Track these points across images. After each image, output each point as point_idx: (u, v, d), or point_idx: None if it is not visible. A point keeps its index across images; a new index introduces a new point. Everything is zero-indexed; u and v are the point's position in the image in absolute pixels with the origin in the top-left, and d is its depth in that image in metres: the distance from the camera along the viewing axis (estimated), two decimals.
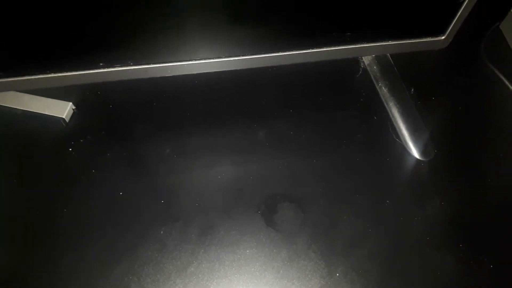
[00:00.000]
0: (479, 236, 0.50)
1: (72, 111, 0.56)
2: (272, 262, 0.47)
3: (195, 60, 0.48)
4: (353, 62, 0.62)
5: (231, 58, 0.48)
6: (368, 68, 0.61)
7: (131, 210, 0.50)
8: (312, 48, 0.49)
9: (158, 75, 0.49)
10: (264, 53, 0.49)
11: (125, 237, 0.48)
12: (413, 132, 0.56)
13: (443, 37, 0.51)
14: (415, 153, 0.55)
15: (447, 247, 0.49)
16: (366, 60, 0.61)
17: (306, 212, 0.50)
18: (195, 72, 0.49)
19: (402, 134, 0.56)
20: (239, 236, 0.49)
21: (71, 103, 0.56)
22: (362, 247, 0.48)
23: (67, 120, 0.56)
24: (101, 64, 0.46)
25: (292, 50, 0.49)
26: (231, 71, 0.50)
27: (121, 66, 0.47)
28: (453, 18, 0.49)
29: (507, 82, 0.61)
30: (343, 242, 0.49)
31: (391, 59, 0.61)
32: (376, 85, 0.59)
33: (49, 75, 0.46)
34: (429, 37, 0.51)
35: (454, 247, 0.49)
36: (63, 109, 0.56)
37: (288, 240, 0.49)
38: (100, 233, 0.48)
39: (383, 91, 0.58)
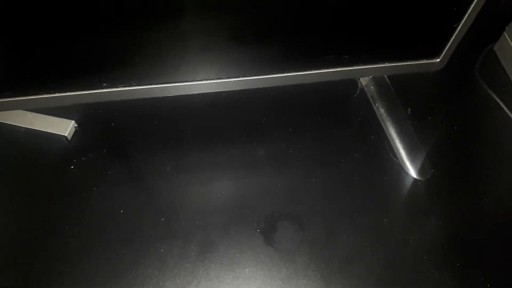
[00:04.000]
0: (476, 255, 0.50)
1: (74, 129, 0.57)
2: (271, 281, 0.48)
3: (196, 81, 0.49)
4: (351, 83, 0.63)
5: (231, 79, 0.50)
6: (365, 89, 0.62)
7: (131, 227, 0.50)
8: (311, 70, 0.50)
9: (159, 95, 0.50)
10: (263, 75, 0.50)
11: (126, 254, 0.49)
12: (410, 152, 0.56)
13: (438, 60, 0.52)
14: (412, 172, 0.55)
15: (444, 266, 0.49)
16: (364, 81, 0.62)
17: (305, 230, 0.51)
18: (195, 92, 0.50)
19: (399, 154, 0.57)
20: (238, 254, 0.49)
21: (73, 121, 0.57)
22: (360, 265, 0.49)
23: (69, 138, 0.56)
24: (104, 84, 0.47)
25: (291, 72, 0.50)
26: (232, 90, 0.51)
27: (124, 87, 0.48)
28: (448, 41, 0.50)
29: (501, 103, 0.62)
30: (342, 261, 0.49)
31: (388, 80, 0.62)
32: (373, 105, 0.60)
33: (54, 95, 0.47)
34: (424, 59, 0.52)
35: (451, 266, 0.49)
36: (66, 127, 0.56)
37: (287, 258, 0.49)
38: (101, 251, 0.49)
39: (380, 111, 0.60)
